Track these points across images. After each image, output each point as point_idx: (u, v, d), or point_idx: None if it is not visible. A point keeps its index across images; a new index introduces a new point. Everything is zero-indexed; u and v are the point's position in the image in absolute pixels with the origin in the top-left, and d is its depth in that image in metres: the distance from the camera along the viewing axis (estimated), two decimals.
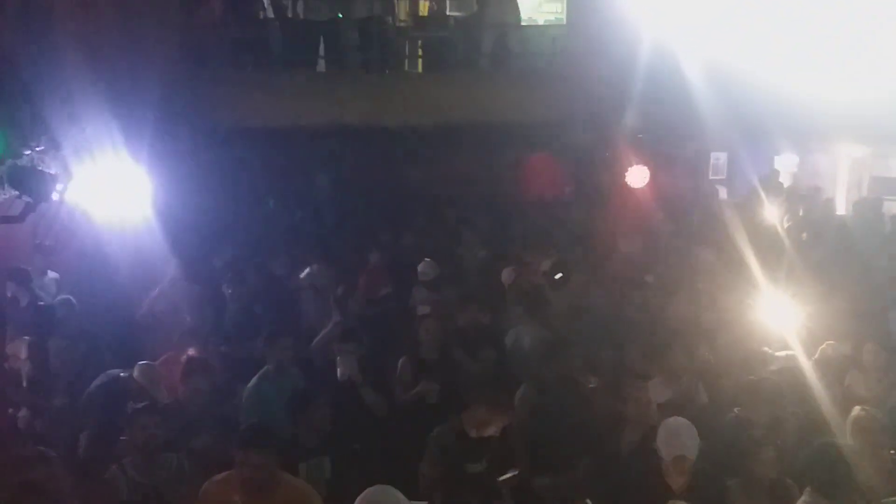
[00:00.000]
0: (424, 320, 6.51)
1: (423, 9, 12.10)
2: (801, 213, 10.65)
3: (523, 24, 11.26)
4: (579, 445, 5.57)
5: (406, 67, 11.40)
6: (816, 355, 6.06)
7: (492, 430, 5.28)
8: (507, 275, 7.96)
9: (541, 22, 13.46)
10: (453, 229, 9.95)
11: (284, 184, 11.07)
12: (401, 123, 9.91)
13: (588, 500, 4.76)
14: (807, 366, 5.80)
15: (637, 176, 9.46)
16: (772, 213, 10.76)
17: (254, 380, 5.98)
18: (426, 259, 8.03)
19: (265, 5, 10.94)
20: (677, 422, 4.74)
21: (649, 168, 9.58)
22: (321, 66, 10.55)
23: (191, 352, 6.25)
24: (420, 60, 11.59)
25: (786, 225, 10.43)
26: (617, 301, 7.66)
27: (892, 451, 4.94)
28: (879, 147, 13.02)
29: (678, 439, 4.63)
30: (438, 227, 10.07)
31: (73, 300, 7.32)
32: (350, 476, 4.94)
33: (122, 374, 5.95)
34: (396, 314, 7.64)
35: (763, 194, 11.76)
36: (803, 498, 4.48)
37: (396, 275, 8.31)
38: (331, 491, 4.90)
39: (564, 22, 11.50)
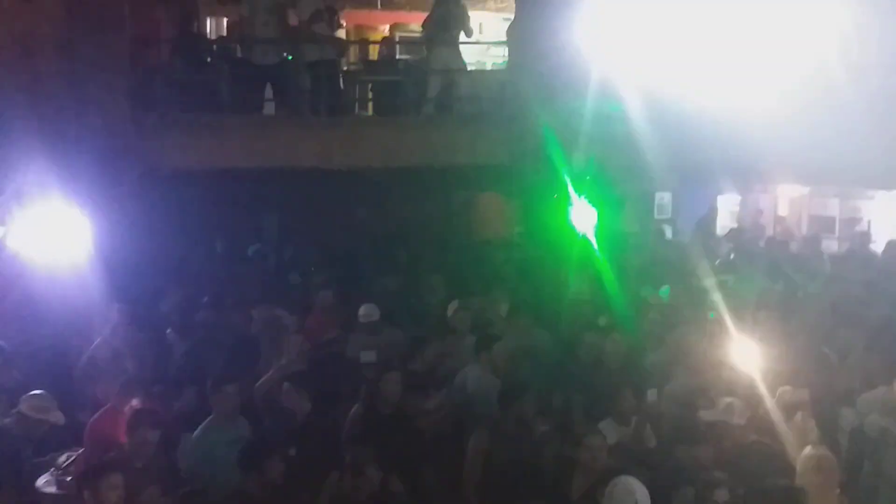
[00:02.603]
0: (385, 374, 6.34)
1: (374, 53, 12.20)
2: (741, 251, 10.86)
3: (471, 68, 11.41)
4: (531, 491, 5.54)
5: (356, 111, 11.45)
6: (774, 398, 6.10)
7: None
8: (452, 311, 7.92)
9: (489, 66, 13.68)
10: (406, 270, 9.91)
11: (232, 226, 10.95)
12: (351, 166, 9.90)
13: None
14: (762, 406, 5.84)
15: (584, 216, 9.57)
16: (717, 252, 11.00)
17: (199, 430, 5.84)
18: (367, 303, 7.89)
19: (213, 49, 10.91)
20: (629, 485, 4.67)
21: (596, 209, 9.71)
22: (269, 108, 10.52)
23: (135, 402, 6.08)
24: (370, 104, 11.66)
25: (729, 262, 10.63)
26: (567, 343, 7.68)
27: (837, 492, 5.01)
28: (817, 187, 13.45)
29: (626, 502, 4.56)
30: (390, 268, 10.02)
31: (5, 347, 7.05)
32: None
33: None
34: (343, 359, 7.52)
35: (706, 233, 12.04)
36: None
37: (346, 317, 8.20)
38: None
39: (514, 65, 11.68)
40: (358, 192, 11.20)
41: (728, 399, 5.79)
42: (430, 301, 8.87)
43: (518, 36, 10.61)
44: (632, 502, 4.56)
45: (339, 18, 11.10)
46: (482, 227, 12.74)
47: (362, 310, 7.73)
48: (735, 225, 13.16)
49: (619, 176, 10.67)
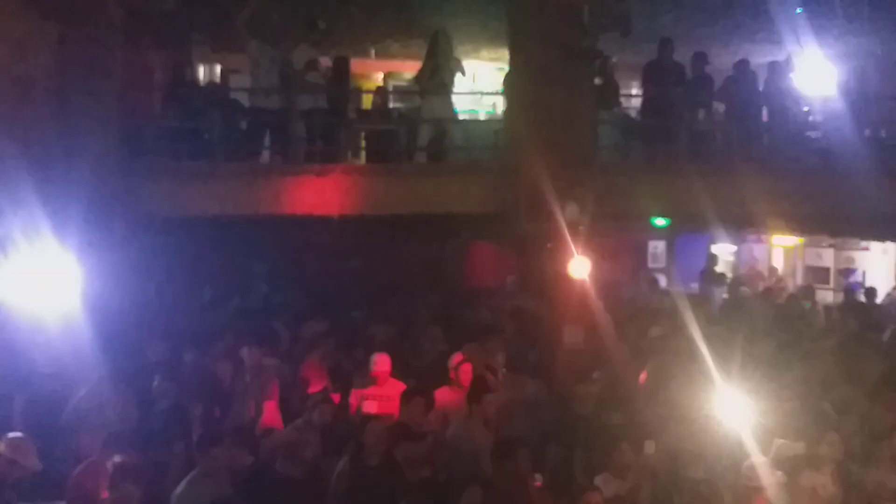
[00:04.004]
0: (368, 423, 6.21)
1: (367, 102, 12.24)
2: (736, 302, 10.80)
3: (465, 116, 11.44)
4: None
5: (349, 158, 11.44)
6: (771, 454, 5.98)
7: None
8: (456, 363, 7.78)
9: (482, 114, 13.76)
10: (398, 319, 9.79)
11: (222, 273, 10.84)
12: (343, 213, 9.85)
13: None
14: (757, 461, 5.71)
15: (579, 266, 9.49)
16: (717, 303, 10.92)
17: (181, 486, 5.67)
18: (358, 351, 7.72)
19: (207, 97, 10.92)
20: None
21: (590, 258, 9.64)
22: (265, 157, 10.51)
23: (117, 457, 5.90)
24: (363, 152, 11.66)
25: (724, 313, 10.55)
26: (563, 395, 7.56)
27: None
28: (810, 238, 13.48)
29: None
30: (383, 317, 9.89)
31: None
32: None
33: None
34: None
35: (708, 283, 11.98)
36: None
37: (338, 371, 8.04)
38: None
39: (507, 115, 11.73)
40: (350, 241, 11.13)
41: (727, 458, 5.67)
42: (428, 351, 8.74)
43: (513, 84, 10.66)
44: None
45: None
46: (475, 275, 12.67)
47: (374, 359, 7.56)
48: (730, 274, 13.12)
49: (612, 225, 10.64)
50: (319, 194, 9.72)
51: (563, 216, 9.56)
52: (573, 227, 9.69)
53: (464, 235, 11.14)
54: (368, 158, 11.34)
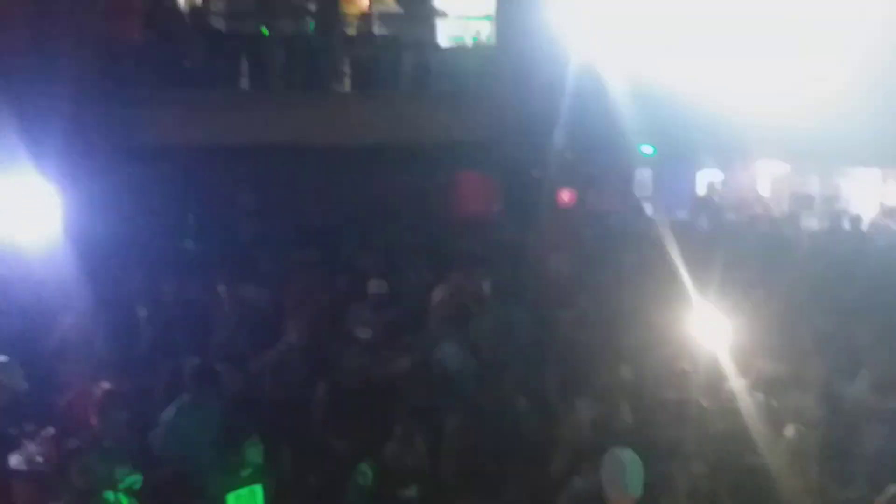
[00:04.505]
0: (351, 345, 6.30)
1: (351, 27, 11.97)
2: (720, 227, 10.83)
3: (452, 44, 11.25)
4: (511, 469, 5.50)
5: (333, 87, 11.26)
6: (751, 373, 6.08)
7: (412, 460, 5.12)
8: (437, 294, 7.83)
9: (469, 42, 13.50)
10: (384, 249, 9.79)
11: (205, 203, 10.75)
12: (327, 143, 9.75)
13: None
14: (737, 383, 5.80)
15: (565, 194, 9.49)
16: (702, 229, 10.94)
17: (170, 411, 5.73)
18: (375, 278, 7.76)
19: (187, 21, 10.67)
20: (624, 456, 4.57)
21: (577, 186, 9.63)
22: (244, 83, 10.32)
23: (105, 384, 5.95)
24: (348, 79, 11.46)
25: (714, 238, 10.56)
26: (547, 320, 7.63)
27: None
28: (798, 164, 13.46)
29: (624, 476, 4.47)
30: (368, 247, 9.89)
31: None
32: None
33: None
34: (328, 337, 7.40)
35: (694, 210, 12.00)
36: None
37: (324, 296, 8.07)
38: None
39: (493, 42, 11.53)
40: (335, 171, 11.03)
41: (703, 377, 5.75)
42: (411, 280, 8.77)
43: (502, 12, 10.47)
44: (631, 473, 4.50)
45: None
46: (462, 204, 12.63)
47: (372, 284, 7.63)
48: (717, 201, 13.13)
49: (599, 153, 10.59)
50: (302, 123, 9.61)
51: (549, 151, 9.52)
52: (560, 156, 9.65)
53: (451, 165, 11.04)
54: (353, 86, 11.15)
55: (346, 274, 8.56)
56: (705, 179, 14.02)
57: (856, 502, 5.30)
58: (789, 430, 5.13)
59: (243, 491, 5.00)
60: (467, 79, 10.90)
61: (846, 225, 11.08)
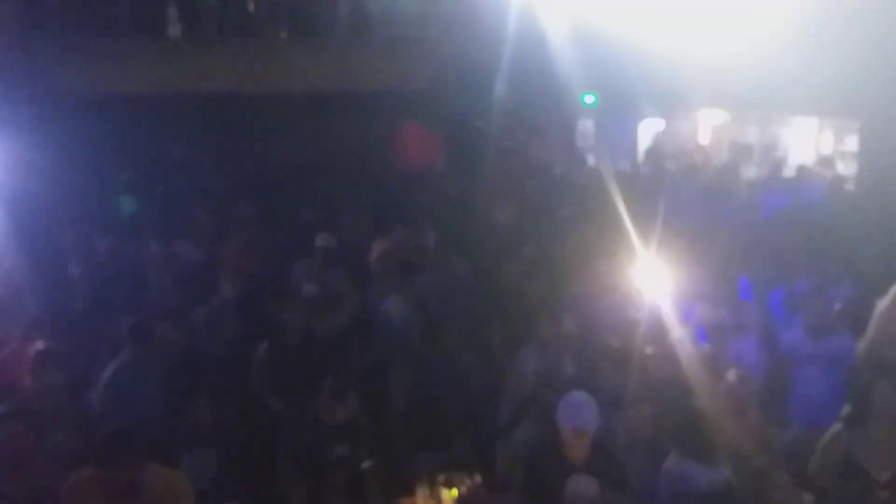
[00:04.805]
0: (292, 301, 6.18)
1: None
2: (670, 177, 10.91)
3: None
4: (457, 422, 5.53)
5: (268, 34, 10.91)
6: (695, 319, 6.18)
7: (343, 415, 5.10)
8: (377, 248, 7.74)
9: None
10: (325, 202, 9.62)
11: (137, 156, 10.39)
12: (263, 92, 9.47)
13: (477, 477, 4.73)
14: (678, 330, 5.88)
15: (509, 144, 9.43)
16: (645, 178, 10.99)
17: (109, 370, 5.58)
18: (323, 232, 7.60)
19: None
20: (579, 396, 4.69)
21: (520, 136, 9.57)
22: (174, 30, 9.91)
23: (39, 344, 5.75)
24: (284, 26, 11.11)
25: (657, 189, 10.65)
26: (492, 272, 7.63)
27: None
28: (738, 113, 13.62)
29: (580, 414, 4.58)
30: (308, 200, 9.71)
31: None
32: (240, 469, 4.71)
33: None
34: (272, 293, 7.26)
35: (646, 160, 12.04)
36: (671, 457, 4.59)
37: (267, 252, 7.92)
38: (218, 485, 4.71)
39: None
40: (271, 122, 10.75)
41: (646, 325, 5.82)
42: (353, 234, 8.65)
43: None
44: (580, 418, 4.55)
45: None
46: (405, 156, 12.48)
47: (319, 238, 7.46)
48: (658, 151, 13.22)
49: (542, 103, 10.53)
50: (237, 72, 9.30)
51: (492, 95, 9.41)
52: (503, 105, 9.57)
53: (392, 115, 10.86)
54: (290, 33, 10.83)
55: (286, 228, 8.40)
56: (647, 129, 14.13)
57: (794, 443, 5.48)
58: (730, 375, 5.23)
59: (197, 453, 4.94)
60: (408, 26, 10.67)
61: (785, 173, 11.30)
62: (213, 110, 10.03)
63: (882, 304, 5.88)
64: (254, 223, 8.41)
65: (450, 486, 4.76)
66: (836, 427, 5.08)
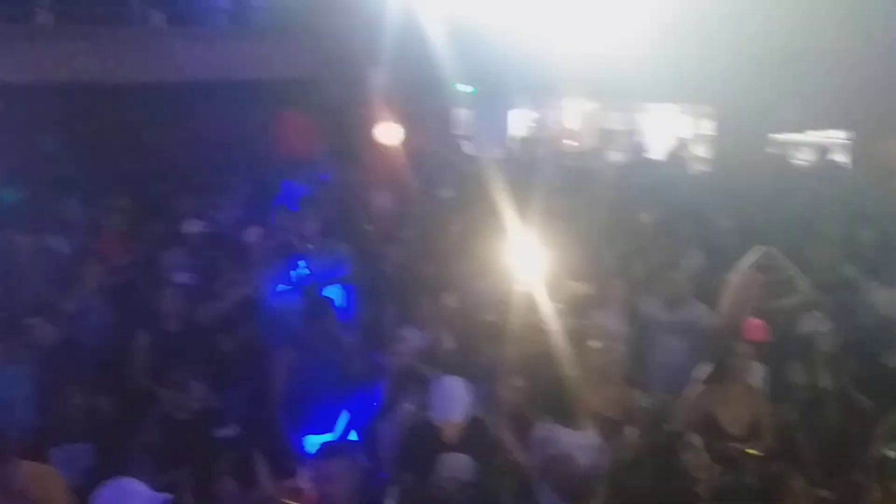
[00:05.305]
0: (171, 288, 6.17)
1: None
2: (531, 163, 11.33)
3: None
4: (338, 402, 5.67)
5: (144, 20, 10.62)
6: (563, 295, 6.52)
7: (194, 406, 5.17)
8: (254, 235, 7.77)
9: None
10: (202, 192, 9.51)
11: (4, 147, 9.94)
12: (138, 81, 9.24)
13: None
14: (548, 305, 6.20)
15: (388, 132, 9.58)
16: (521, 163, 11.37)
17: None
18: (191, 217, 7.52)
19: None
20: (449, 384, 4.83)
21: (399, 124, 9.74)
22: (44, 16, 9.52)
23: None
24: (161, 14, 10.82)
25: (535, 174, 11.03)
26: (374, 257, 7.79)
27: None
28: (604, 102, 14.27)
29: (448, 407, 4.75)
30: (186, 190, 9.56)
31: None
32: (115, 462, 4.69)
33: None
34: (144, 283, 7.19)
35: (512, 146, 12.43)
36: (541, 424, 4.88)
37: (139, 242, 7.80)
38: (92, 478, 4.64)
39: None
40: (146, 111, 10.50)
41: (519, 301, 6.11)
42: (223, 223, 8.62)
43: None
44: (450, 408, 4.74)
45: None
46: (285, 145, 12.43)
47: (185, 224, 7.38)
48: (532, 138, 13.70)
49: (419, 91, 10.73)
50: (111, 59, 9.05)
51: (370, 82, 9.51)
52: (381, 93, 9.69)
53: (271, 103, 10.81)
54: (167, 21, 10.58)
55: (162, 218, 8.28)
56: (519, 118, 14.60)
57: (655, 406, 5.91)
58: (595, 345, 5.59)
59: (68, 448, 4.91)
60: (286, 14, 10.63)
61: (646, 156, 11.95)
62: (85, 99, 9.70)
63: (736, 274, 6.45)
64: (127, 214, 8.25)
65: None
66: (696, 387, 5.56)
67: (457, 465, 4.61)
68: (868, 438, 5.02)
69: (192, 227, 7.40)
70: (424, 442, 4.77)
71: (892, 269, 6.87)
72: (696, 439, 4.67)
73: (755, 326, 5.86)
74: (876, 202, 9.14)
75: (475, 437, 4.79)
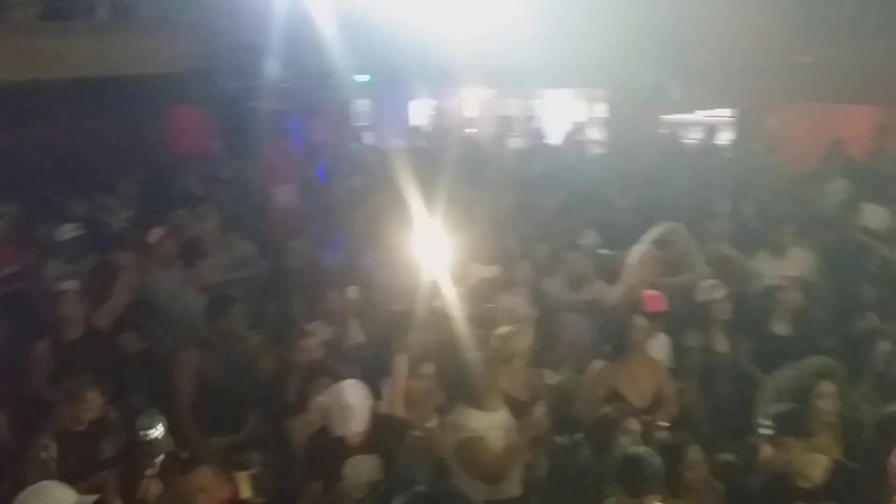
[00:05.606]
0: (65, 295, 5.90)
1: None
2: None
3: None
4: (246, 402, 5.56)
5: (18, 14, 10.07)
6: (469, 280, 6.57)
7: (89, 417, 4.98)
8: (154, 236, 7.52)
9: None
10: (92, 192, 9.13)
11: None
12: (14, 79, 8.77)
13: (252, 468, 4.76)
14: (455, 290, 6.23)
15: (287, 125, 9.41)
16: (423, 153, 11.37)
17: None
18: (66, 223, 7.20)
19: None
20: (347, 391, 4.74)
21: (297, 116, 9.59)
22: None
23: None
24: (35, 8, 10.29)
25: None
26: (278, 252, 7.67)
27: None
28: (501, 89, 14.44)
29: (349, 413, 4.67)
30: (74, 190, 9.16)
31: None
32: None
33: None
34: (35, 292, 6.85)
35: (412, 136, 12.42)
36: (454, 409, 4.89)
37: (27, 249, 7.43)
38: None
39: None
40: (28, 110, 9.99)
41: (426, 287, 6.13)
42: (115, 224, 8.32)
43: None
44: (350, 422, 4.68)
45: None
46: (177, 141, 12.07)
47: (61, 231, 7.07)
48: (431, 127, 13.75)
49: (315, 83, 10.58)
50: None
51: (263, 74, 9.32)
52: (275, 85, 9.53)
53: (160, 99, 10.45)
54: (42, 15, 10.07)
55: (48, 223, 7.91)
56: (419, 107, 14.61)
57: (563, 383, 6.04)
58: (503, 327, 5.65)
59: None
60: (172, 5, 10.27)
61: (545, 141, 12.17)
62: None
63: (635, 252, 6.63)
64: (12, 220, 7.84)
65: (244, 468, 4.75)
66: (599, 363, 5.69)
67: (363, 468, 4.57)
68: (756, 403, 5.26)
69: (65, 233, 7.09)
70: (328, 450, 4.71)
71: (777, 239, 7.22)
72: (634, 424, 4.79)
73: (654, 297, 6.02)
74: (760, 176, 9.59)
75: (380, 436, 4.76)
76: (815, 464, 4.39)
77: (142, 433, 4.66)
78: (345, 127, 12.18)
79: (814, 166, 9.83)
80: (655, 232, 6.68)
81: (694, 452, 4.52)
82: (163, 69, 9.53)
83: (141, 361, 5.99)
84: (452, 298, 6.04)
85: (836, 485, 4.36)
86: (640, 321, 5.63)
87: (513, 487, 4.77)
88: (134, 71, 9.34)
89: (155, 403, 5.31)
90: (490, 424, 4.79)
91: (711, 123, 12.03)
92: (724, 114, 12.51)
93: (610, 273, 6.76)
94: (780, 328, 6.24)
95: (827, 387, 4.99)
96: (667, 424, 5.24)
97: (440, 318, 5.83)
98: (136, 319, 6.25)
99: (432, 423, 5.07)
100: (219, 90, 9.73)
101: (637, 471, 4.07)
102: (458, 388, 4.93)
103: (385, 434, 4.80)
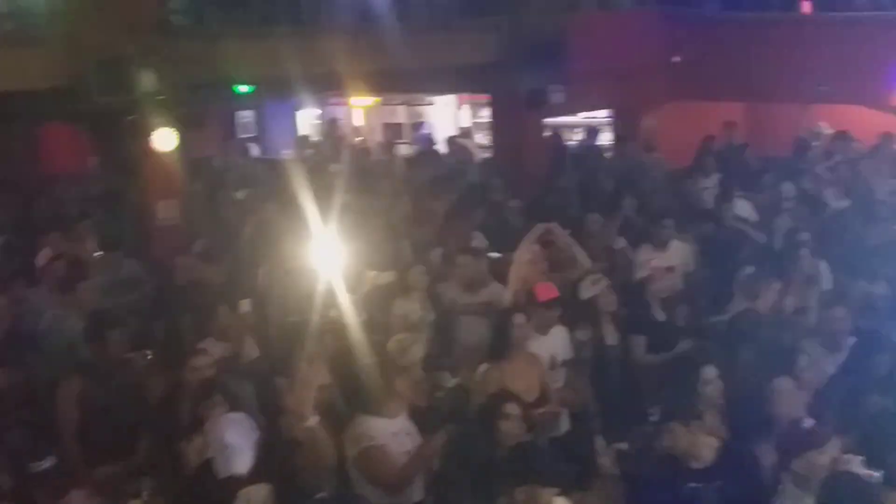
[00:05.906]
0: None
1: None
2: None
3: None
4: (136, 427, 5.35)
5: None
6: (365, 286, 6.53)
7: None
8: (42, 258, 7.20)
9: None
10: None
11: None
12: None
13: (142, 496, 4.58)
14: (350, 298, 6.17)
15: (164, 139, 9.09)
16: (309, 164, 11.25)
17: None
18: None
19: None
20: (229, 428, 4.51)
21: (177, 130, 9.28)
22: None
23: None
24: None
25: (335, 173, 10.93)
26: (164, 270, 7.44)
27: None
28: (387, 98, 14.48)
29: (231, 454, 4.41)
30: None
31: None
32: None
33: None
34: None
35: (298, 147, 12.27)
36: (354, 420, 4.83)
37: None
38: None
39: None
40: None
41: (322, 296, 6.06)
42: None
43: None
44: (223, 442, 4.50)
45: None
46: (51, 160, 11.53)
47: None
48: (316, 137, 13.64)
49: (195, 93, 10.29)
50: None
51: (139, 87, 8.98)
52: (152, 98, 9.19)
53: (30, 116, 9.92)
54: None
55: None
56: (307, 118, 14.47)
57: (458, 386, 6.08)
58: (398, 333, 5.65)
59: None
60: (36, 18, 9.78)
61: (433, 147, 12.28)
62: None
63: (517, 255, 6.77)
64: None
65: (135, 496, 4.60)
66: (485, 365, 5.76)
67: (256, 498, 4.29)
68: (645, 391, 5.46)
69: None
70: (215, 484, 4.42)
71: (656, 232, 7.54)
72: (513, 408, 4.81)
73: (544, 287, 6.11)
74: (637, 173, 9.99)
75: (270, 465, 4.56)
76: (704, 445, 4.59)
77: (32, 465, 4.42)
78: (229, 139, 11.93)
79: (688, 162, 10.31)
80: (535, 232, 6.86)
81: (596, 441, 4.62)
82: (32, 85, 9.04)
83: (19, 394, 5.65)
84: (348, 307, 6.01)
85: (725, 463, 4.55)
86: (518, 319, 5.71)
87: (415, 493, 4.76)
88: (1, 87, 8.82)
89: (40, 435, 5.07)
90: (391, 431, 4.76)
91: (593, 125, 12.43)
92: (602, 115, 12.96)
93: (501, 275, 6.86)
94: (659, 315, 6.50)
95: (709, 372, 5.22)
96: (557, 413, 5.35)
97: (336, 328, 5.78)
98: (7, 353, 5.92)
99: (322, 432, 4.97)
100: (92, 105, 9.30)
101: (526, 460, 4.13)
102: (357, 396, 4.88)
103: (274, 463, 4.60)
